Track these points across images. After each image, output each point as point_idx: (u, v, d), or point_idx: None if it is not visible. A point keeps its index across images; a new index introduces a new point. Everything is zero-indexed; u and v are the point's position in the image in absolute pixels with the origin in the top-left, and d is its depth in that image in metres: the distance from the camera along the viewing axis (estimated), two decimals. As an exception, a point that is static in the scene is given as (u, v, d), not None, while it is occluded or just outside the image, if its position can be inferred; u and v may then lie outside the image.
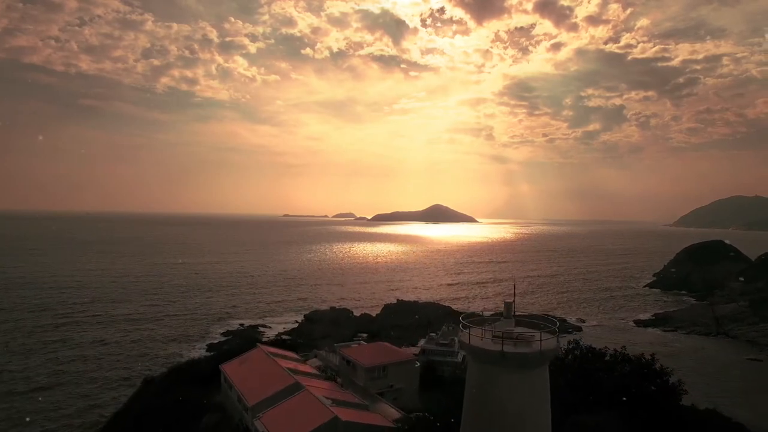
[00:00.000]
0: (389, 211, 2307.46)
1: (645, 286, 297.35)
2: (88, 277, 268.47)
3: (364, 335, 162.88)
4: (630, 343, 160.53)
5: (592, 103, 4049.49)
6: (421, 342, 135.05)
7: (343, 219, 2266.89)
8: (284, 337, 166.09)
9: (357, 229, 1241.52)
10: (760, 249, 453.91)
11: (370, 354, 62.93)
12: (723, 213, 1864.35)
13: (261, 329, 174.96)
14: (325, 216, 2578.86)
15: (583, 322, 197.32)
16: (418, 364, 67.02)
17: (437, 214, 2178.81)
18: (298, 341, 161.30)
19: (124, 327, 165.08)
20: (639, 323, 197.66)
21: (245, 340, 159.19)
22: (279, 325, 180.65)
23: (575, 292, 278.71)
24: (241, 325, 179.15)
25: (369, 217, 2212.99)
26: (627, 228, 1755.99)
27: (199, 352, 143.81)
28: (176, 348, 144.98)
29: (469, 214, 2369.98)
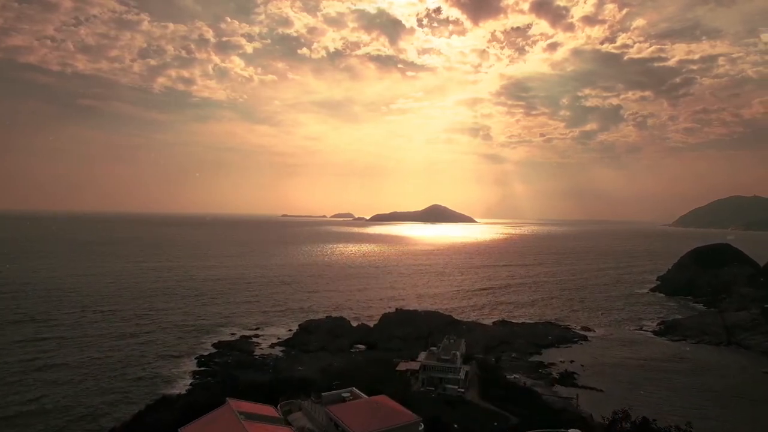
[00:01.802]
0: (388, 212, 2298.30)
1: (649, 291, 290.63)
2: (81, 282, 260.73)
3: (362, 347, 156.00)
4: (642, 357, 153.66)
5: (589, 103, 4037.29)
6: (422, 355, 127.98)
7: (341, 219, 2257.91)
8: (278, 348, 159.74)
9: (355, 229, 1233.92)
10: (762, 250, 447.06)
11: (363, 415, 50.94)
12: (722, 213, 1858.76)
13: (254, 340, 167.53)
14: (324, 216, 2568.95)
15: (589, 330, 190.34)
16: (422, 426, 56.49)
17: (436, 215, 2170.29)
18: (292, 351, 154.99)
19: (112, 342, 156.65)
20: (646, 332, 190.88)
21: (236, 350, 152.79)
22: (273, 335, 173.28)
23: (578, 296, 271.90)
24: (233, 335, 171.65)
25: (368, 218, 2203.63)
26: (626, 228, 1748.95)
27: (188, 366, 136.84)
28: (162, 366, 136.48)
29: (467, 215, 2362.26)
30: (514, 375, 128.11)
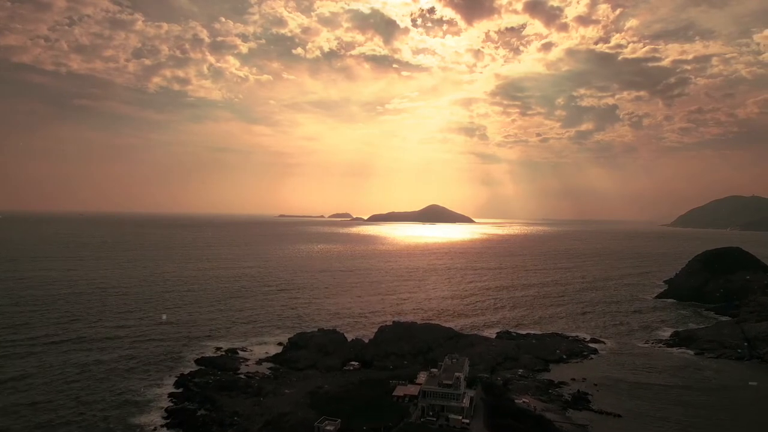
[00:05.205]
0: (385, 212, 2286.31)
1: (657, 297, 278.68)
2: (66, 288, 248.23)
3: (356, 364, 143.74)
4: (659, 374, 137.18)
5: (584, 103, 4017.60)
6: (421, 376, 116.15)
7: (339, 219, 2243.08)
8: (265, 364, 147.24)
9: (353, 230, 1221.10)
10: (764, 251, 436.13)
11: None
12: (721, 213, 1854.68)
13: (240, 354, 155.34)
14: (322, 216, 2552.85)
15: (599, 342, 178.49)
16: None
17: (433, 215, 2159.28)
18: (280, 369, 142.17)
19: (89, 357, 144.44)
20: (660, 343, 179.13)
21: (219, 368, 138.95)
22: (261, 349, 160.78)
23: (583, 302, 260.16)
24: (219, 349, 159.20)
25: (365, 218, 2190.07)
26: (624, 228, 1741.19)
27: (165, 388, 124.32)
28: (139, 387, 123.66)
29: (465, 215, 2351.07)
30: (523, 399, 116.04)
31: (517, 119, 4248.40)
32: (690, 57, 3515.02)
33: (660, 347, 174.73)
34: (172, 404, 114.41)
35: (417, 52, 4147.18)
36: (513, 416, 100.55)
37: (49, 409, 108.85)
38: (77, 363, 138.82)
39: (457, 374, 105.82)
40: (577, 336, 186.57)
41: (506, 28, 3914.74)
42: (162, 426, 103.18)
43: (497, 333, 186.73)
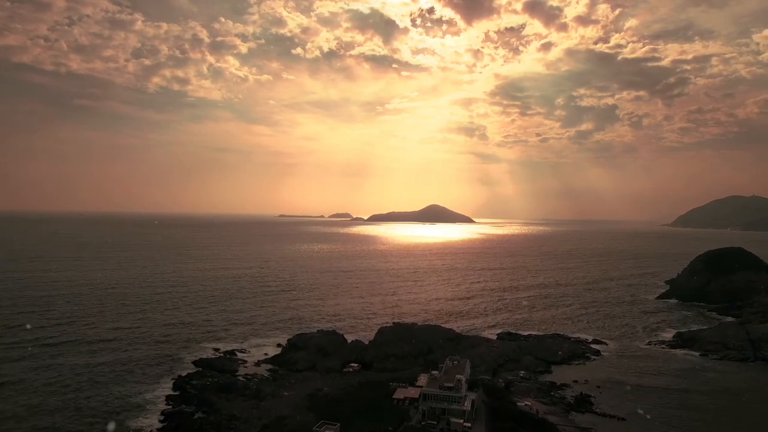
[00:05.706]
0: (385, 212, 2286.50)
1: (659, 297, 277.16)
2: (65, 289, 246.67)
3: (355, 366, 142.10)
4: (662, 376, 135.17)
5: (584, 103, 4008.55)
6: (421, 378, 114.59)
7: (339, 219, 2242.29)
8: (264, 366, 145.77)
9: (353, 230, 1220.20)
10: (766, 252, 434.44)
11: None
12: (721, 213, 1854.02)
13: (238, 356, 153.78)
14: (322, 216, 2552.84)
15: (600, 343, 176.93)
16: None
17: (433, 215, 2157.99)
18: (279, 371, 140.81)
19: (85, 359, 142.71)
20: (663, 344, 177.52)
21: (218, 369, 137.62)
22: (260, 350, 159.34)
23: (584, 303, 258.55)
24: (217, 350, 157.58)
25: (365, 218, 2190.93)
26: (624, 228, 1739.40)
27: (163, 390, 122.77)
28: (136, 390, 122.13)
29: (465, 215, 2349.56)
30: (525, 401, 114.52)
31: (517, 119, 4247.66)
32: (690, 57, 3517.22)
33: (663, 348, 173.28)
34: (169, 407, 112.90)
35: (417, 52, 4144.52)
36: (515, 419, 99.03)
37: (46, 412, 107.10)
38: (75, 365, 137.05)
39: (458, 376, 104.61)
40: (578, 337, 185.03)
41: (506, 28, 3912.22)
42: (159, 429, 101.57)
43: (498, 334, 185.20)
